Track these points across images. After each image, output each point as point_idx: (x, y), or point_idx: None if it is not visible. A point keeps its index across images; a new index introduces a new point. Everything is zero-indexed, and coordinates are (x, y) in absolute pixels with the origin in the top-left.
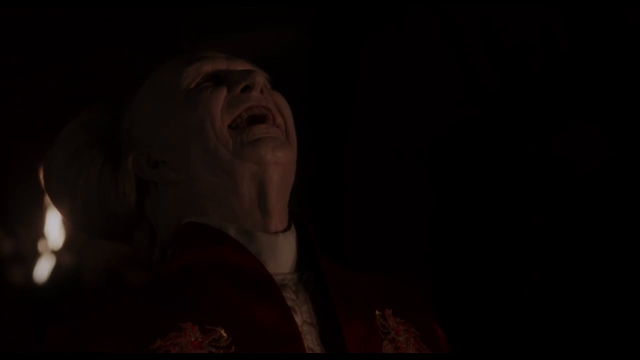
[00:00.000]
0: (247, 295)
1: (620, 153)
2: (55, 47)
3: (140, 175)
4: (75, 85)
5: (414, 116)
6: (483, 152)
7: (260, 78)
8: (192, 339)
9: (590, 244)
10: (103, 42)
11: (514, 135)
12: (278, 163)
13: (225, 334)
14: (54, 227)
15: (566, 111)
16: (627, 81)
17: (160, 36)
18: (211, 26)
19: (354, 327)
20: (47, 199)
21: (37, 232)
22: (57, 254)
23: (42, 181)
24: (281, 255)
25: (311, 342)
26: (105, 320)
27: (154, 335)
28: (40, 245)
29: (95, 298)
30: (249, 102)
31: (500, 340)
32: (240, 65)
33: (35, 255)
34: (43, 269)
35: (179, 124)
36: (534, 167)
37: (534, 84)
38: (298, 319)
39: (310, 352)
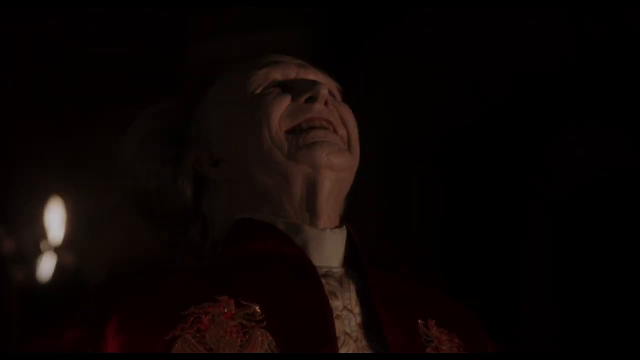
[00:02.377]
0: (286, 278)
1: (622, 153)
2: (57, 47)
3: (200, 171)
4: (77, 85)
5: (417, 116)
6: (485, 152)
7: (325, 90)
8: (225, 310)
9: (592, 243)
10: (109, 45)
11: (515, 135)
12: (332, 168)
13: (259, 310)
14: (56, 226)
15: (568, 111)
16: (629, 82)
17: (163, 36)
18: (215, 26)
19: (395, 327)
20: (50, 198)
21: (39, 231)
22: (59, 252)
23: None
24: (326, 249)
25: (348, 326)
26: (147, 283)
27: (189, 303)
28: (42, 244)
29: (141, 270)
30: (310, 113)
31: (503, 339)
32: (312, 74)
33: (37, 254)
34: (45, 268)
35: (240, 125)
36: (535, 167)
37: (537, 84)
38: (338, 303)
39: (347, 336)
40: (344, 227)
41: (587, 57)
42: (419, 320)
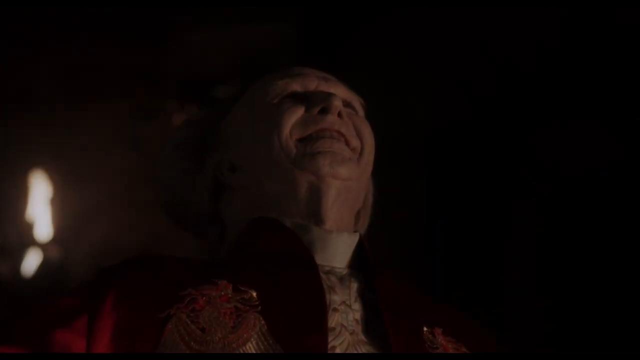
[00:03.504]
0: (287, 270)
1: (614, 150)
2: (44, 46)
3: (219, 177)
4: (62, 80)
5: (406, 111)
6: (476, 148)
7: (338, 102)
8: (222, 293)
9: (584, 240)
10: (92, 39)
11: (507, 131)
12: (335, 177)
13: (255, 296)
14: (41, 221)
15: (558, 109)
16: (621, 80)
17: (150, 31)
18: (200, 20)
19: (399, 329)
20: (35, 192)
21: (24, 225)
22: (44, 247)
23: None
24: (331, 249)
25: (345, 319)
26: (150, 265)
27: (187, 285)
28: (27, 239)
29: (146, 255)
30: (322, 124)
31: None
32: (332, 87)
33: (21, 249)
34: (29, 263)
35: (255, 132)
36: (525, 164)
37: (526, 82)
38: (336, 298)
39: (343, 327)
40: (354, 233)
41: (579, 53)
42: (425, 328)
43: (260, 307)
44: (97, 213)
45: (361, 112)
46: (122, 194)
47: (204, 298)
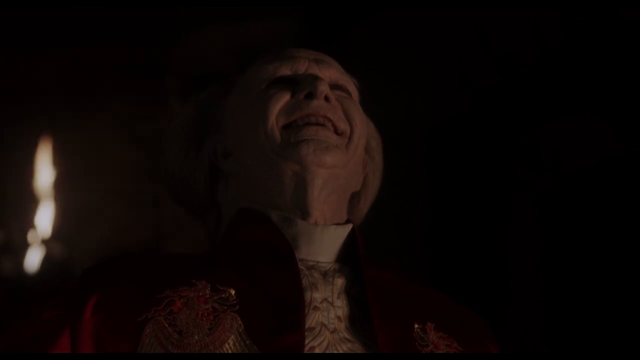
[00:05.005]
0: (267, 268)
1: (608, 146)
2: (47, 42)
3: (215, 162)
4: (65, 78)
5: (404, 107)
6: (473, 143)
7: (323, 87)
8: (200, 294)
9: (579, 235)
10: (95, 36)
11: (503, 127)
12: (320, 165)
13: (234, 295)
14: (44, 218)
15: (555, 103)
16: (616, 74)
17: (153, 27)
18: (202, 17)
19: (387, 325)
20: (38, 189)
21: (27, 222)
22: (47, 244)
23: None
24: (316, 244)
25: (326, 318)
26: (129, 267)
27: (166, 286)
28: (30, 236)
29: (128, 254)
30: (307, 109)
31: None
32: (325, 69)
33: (25, 246)
34: (33, 260)
35: (244, 119)
36: (522, 158)
37: (524, 76)
38: (318, 295)
39: (323, 326)
40: (345, 225)
41: (576, 50)
42: (416, 325)
43: (237, 307)
44: (100, 210)
45: (355, 94)
46: (124, 191)
47: (182, 300)
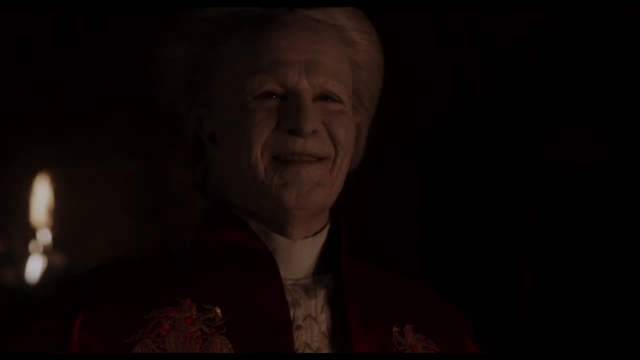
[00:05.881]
0: (251, 280)
1: (609, 150)
2: (51, 50)
3: (199, 133)
4: (68, 85)
5: (406, 113)
6: (475, 148)
7: (309, 127)
8: (187, 315)
9: (581, 238)
10: (100, 45)
11: (505, 132)
12: (303, 209)
13: (220, 314)
14: (45, 227)
15: (557, 109)
16: (617, 76)
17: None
18: None
19: (366, 337)
20: (39, 199)
21: (28, 232)
22: (48, 253)
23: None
24: (295, 260)
25: (310, 336)
26: (111, 284)
27: (151, 306)
28: (31, 246)
29: (107, 266)
30: (292, 148)
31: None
32: (315, 75)
33: (25, 255)
34: (34, 269)
35: (229, 130)
36: (523, 162)
37: (525, 82)
38: (301, 312)
39: (306, 346)
40: (322, 232)
41: (578, 56)
42: (395, 328)
43: (225, 329)
44: (101, 219)
45: (345, 98)
46: (125, 201)
47: (169, 321)
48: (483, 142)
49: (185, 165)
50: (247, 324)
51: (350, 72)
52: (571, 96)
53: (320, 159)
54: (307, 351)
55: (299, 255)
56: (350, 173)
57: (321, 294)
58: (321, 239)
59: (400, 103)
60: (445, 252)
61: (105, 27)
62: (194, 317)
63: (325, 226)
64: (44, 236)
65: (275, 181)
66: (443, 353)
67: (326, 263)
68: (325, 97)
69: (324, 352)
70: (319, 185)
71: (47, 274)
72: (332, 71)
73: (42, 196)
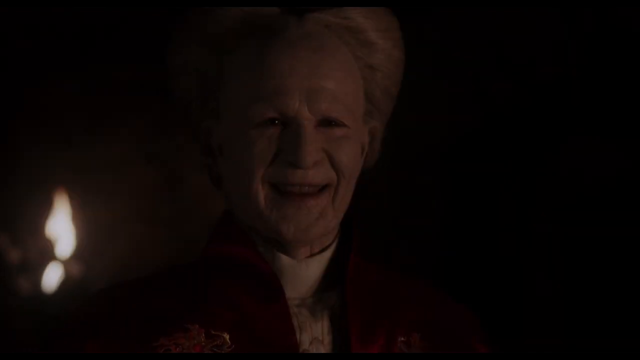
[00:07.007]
0: (257, 304)
1: (628, 160)
2: (62, 52)
3: (209, 144)
4: (83, 93)
5: (420, 122)
6: (490, 159)
7: (309, 161)
8: (195, 342)
9: (597, 250)
10: (108, 56)
11: (521, 143)
12: (300, 241)
13: (228, 341)
14: (62, 236)
15: (575, 120)
16: (636, 89)
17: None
18: None
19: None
20: (56, 209)
21: (45, 241)
22: (65, 262)
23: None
24: (301, 279)
25: None
26: (118, 314)
27: (159, 333)
28: (48, 255)
29: (109, 293)
30: (291, 179)
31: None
32: (316, 102)
33: (42, 265)
34: (50, 279)
35: (233, 150)
36: (541, 175)
37: (544, 91)
38: (307, 336)
39: None
40: (330, 247)
41: (597, 68)
42: (400, 338)
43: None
44: (118, 229)
45: (350, 121)
46: (142, 210)
47: (178, 348)
48: (500, 151)
49: (202, 171)
50: (253, 349)
51: (360, 88)
52: (590, 106)
53: (321, 188)
54: None
55: (305, 273)
56: (365, 175)
57: (326, 315)
58: (328, 253)
59: (420, 112)
60: (462, 260)
61: (121, 34)
62: (203, 343)
63: (333, 241)
64: (61, 245)
65: (275, 214)
66: (443, 353)
67: (335, 275)
68: (328, 121)
69: None
70: (319, 218)
71: (64, 283)
72: (336, 95)
73: (58, 205)
